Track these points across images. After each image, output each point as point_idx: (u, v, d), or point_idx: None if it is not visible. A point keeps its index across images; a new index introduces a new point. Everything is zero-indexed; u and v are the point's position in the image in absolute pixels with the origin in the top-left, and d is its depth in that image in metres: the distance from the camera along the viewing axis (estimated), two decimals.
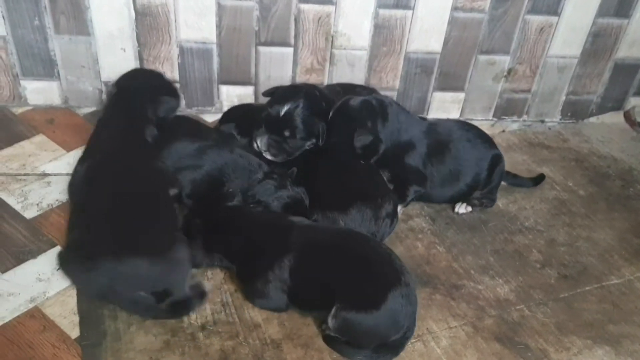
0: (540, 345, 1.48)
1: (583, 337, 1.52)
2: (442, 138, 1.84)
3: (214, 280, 1.55)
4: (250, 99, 2.22)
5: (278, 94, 1.81)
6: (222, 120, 2.05)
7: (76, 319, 1.41)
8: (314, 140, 1.79)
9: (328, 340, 1.42)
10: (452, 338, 1.48)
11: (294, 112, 1.74)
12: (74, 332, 1.39)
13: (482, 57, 2.25)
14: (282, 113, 1.75)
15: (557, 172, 2.13)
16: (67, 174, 1.82)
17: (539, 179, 2.04)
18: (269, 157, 1.77)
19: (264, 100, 1.89)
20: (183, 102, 2.17)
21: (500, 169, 1.86)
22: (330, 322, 1.38)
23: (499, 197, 1.93)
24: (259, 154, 1.78)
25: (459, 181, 1.83)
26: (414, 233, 1.78)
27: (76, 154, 1.91)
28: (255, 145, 1.79)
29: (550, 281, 1.67)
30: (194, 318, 1.44)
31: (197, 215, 1.57)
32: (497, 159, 1.85)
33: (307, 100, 1.77)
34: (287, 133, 1.76)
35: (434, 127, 1.86)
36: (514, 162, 2.13)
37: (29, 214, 1.67)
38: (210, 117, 2.17)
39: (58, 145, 1.95)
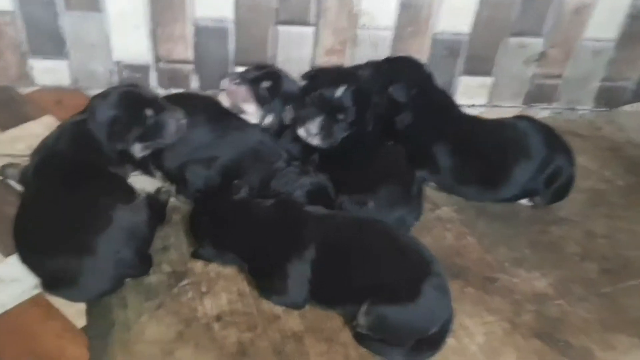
0: (583, 343, 1.37)
1: (630, 334, 1.40)
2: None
3: (231, 269, 1.45)
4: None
5: (327, 74, 1.74)
6: None
7: (83, 307, 1.32)
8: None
9: (360, 338, 1.31)
10: (487, 334, 1.37)
11: (348, 94, 1.65)
12: (80, 322, 1.30)
13: (513, 40, 2.12)
14: (338, 94, 1.65)
15: (592, 162, 2.00)
16: None
17: None
18: (315, 142, 1.65)
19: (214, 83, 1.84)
20: (196, 85, 2.08)
21: None
22: (362, 319, 1.27)
23: None
24: (292, 140, 1.69)
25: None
26: (441, 222, 1.67)
27: None
28: (302, 129, 1.66)
29: (590, 275, 1.55)
30: (209, 307, 1.34)
31: (202, 212, 1.46)
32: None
33: (357, 84, 1.69)
34: (341, 116, 1.65)
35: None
36: None
37: None
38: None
39: None
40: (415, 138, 1.75)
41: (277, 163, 1.58)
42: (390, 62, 1.91)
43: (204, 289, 1.39)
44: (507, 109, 2.24)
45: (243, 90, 1.68)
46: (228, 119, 1.68)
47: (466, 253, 1.58)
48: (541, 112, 2.27)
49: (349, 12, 1.99)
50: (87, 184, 1.39)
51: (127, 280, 1.37)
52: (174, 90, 2.01)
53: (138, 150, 1.56)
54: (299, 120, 1.66)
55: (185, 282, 1.40)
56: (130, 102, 1.53)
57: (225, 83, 1.69)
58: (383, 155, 1.67)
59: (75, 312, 1.30)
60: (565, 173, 1.72)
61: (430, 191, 1.76)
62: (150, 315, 1.31)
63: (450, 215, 1.70)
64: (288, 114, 1.69)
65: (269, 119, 1.69)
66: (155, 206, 1.50)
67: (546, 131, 1.76)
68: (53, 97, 1.98)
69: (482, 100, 2.25)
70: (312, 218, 1.37)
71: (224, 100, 1.69)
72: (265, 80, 1.70)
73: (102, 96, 1.55)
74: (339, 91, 1.64)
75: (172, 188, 1.64)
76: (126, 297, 1.34)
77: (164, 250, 1.47)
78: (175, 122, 1.56)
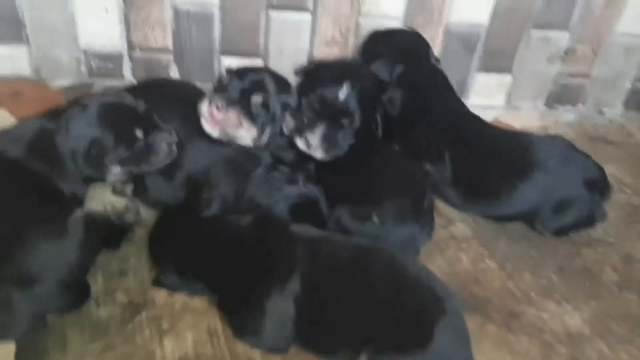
0: None
1: None
2: None
3: (200, 300, 1.19)
4: None
5: (326, 71, 1.46)
6: None
7: (12, 348, 1.06)
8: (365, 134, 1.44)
9: None
10: None
11: (353, 96, 1.38)
12: None
13: (536, 33, 1.87)
14: (341, 97, 1.37)
15: (626, 172, 1.76)
16: None
17: None
18: (318, 155, 1.38)
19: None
20: (176, 77, 1.83)
21: None
22: None
23: None
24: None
25: None
26: (456, 242, 1.42)
27: None
28: (301, 140, 1.38)
29: (633, 309, 1.30)
30: (170, 350, 1.09)
31: (164, 232, 1.21)
32: None
33: (364, 80, 1.42)
34: (345, 121, 1.38)
35: None
36: None
37: None
38: None
39: None
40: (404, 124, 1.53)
41: (256, 170, 1.33)
42: (382, 34, 1.71)
43: (165, 325, 1.13)
44: (527, 110, 2.00)
45: (233, 116, 1.32)
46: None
47: (486, 280, 1.33)
48: (565, 115, 2.03)
49: None
50: (20, 198, 1.12)
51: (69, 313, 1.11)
52: None
53: (114, 174, 1.29)
54: (296, 130, 1.39)
55: (142, 316, 1.14)
56: (117, 120, 1.25)
57: (204, 109, 1.32)
58: (389, 160, 1.42)
59: (3, 354, 1.05)
60: (581, 206, 1.43)
61: (442, 205, 1.51)
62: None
63: (465, 234, 1.46)
64: (288, 124, 1.40)
65: (266, 136, 1.39)
66: (101, 226, 1.22)
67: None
68: (9, 88, 1.72)
69: (499, 100, 2.01)
70: (298, 241, 1.11)
71: (208, 129, 1.33)
72: (255, 93, 1.36)
73: (82, 107, 1.25)
74: (343, 92, 1.37)
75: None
76: (66, 336, 1.08)
77: (120, 274, 1.22)
78: (167, 145, 1.29)
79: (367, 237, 1.22)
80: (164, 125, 1.31)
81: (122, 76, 1.81)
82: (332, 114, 1.38)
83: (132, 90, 1.57)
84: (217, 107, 1.30)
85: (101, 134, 1.23)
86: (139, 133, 1.25)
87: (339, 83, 1.38)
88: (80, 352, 1.06)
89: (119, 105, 1.27)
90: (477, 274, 1.34)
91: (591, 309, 1.29)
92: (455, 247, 1.40)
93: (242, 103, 1.33)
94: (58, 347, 1.07)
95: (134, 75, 1.82)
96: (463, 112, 1.59)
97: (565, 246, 1.45)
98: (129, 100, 1.30)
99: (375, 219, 1.24)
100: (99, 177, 1.28)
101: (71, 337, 1.08)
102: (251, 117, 1.34)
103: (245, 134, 1.35)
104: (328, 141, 1.36)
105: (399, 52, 1.62)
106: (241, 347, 1.11)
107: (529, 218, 1.46)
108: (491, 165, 1.46)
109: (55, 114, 1.29)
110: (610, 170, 1.72)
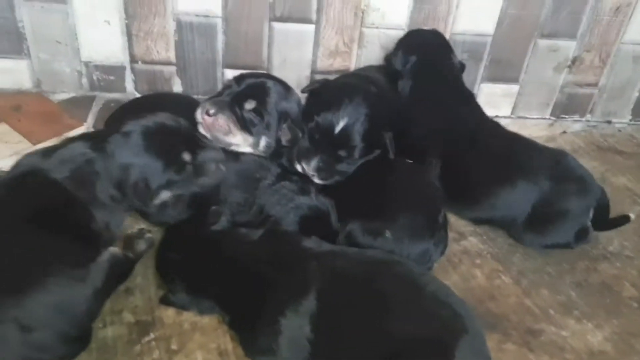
0: None
1: None
2: None
3: (209, 318, 1.15)
4: None
5: (327, 96, 1.37)
6: (112, 119, 1.50)
7: None
8: (377, 152, 1.39)
9: None
10: None
11: (353, 127, 1.31)
12: None
13: (543, 42, 1.85)
14: (337, 129, 1.31)
15: (638, 183, 1.72)
16: None
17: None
18: (317, 180, 1.34)
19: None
20: (179, 89, 1.80)
21: None
22: None
23: None
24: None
25: None
26: (470, 257, 1.38)
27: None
28: (299, 167, 1.35)
29: None
30: None
31: (172, 248, 1.16)
32: None
33: (368, 107, 1.33)
34: (343, 153, 1.33)
35: None
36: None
37: None
38: None
39: (22, 137, 1.57)
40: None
41: (265, 180, 1.28)
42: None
43: (174, 346, 1.10)
44: (534, 120, 1.97)
45: (222, 122, 1.29)
46: None
47: (502, 297, 1.29)
48: (573, 125, 2.00)
49: (355, 8, 1.72)
50: (50, 225, 1.05)
51: None
52: None
53: (161, 199, 1.20)
54: (295, 155, 1.35)
55: (151, 336, 1.10)
56: (163, 145, 1.16)
57: (198, 114, 1.29)
58: (402, 174, 1.37)
59: None
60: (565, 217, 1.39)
61: (454, 218, 1.48)
62: None
63: (478, 248, 1.42)
64: (284, 135, 1.35)
65: (262, 144, 1.34)
66: (120, 266, 1.15)
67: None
68: (10, 102, 1.70)
69: (506, 110, 1.98)
70: (312, 256, 1.07)
71: (203, 133, 1.30)
72: (248, 99, 1.31)
73: (125, 135, 1.15)
74: (339, 124, 1.30)
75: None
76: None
77: (126, 293, 1.18)
78: (215, 165, 1.22)
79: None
80: (209, 142, 1.25)
81: (124, 89, 1.78)
82: (329, 145, 1.32)
83: (134, 104, 1.53)
84: (208, 113, 1.27)
85: (149, 162, 1.14)
86: (186, 156, 1.17)
87: (337, 113, 1.31)
88: None
89: (162, 129, 1.17)
90: (492, 290, 1.31)
91: (612, 327, 1.25)
92: (469, 262, 1.37)
93: (232, 109, 1.29)
94: None
95: (136, 88, 1.79)
96: (469, 112, 1.57)
97: (582, 261, 1.41)
98: (169, 120, 1.21)
99: (388, 234, 1.21)
100: (143, 205, 1.19)
101: (78, 358, 1.04)
102: (241, 123, 1.29)
103: (236, 141, 1.31)
104: (324, 171, 1.32)
105: (415, 45, 1.62)
106: None
107: (505, 225, 1.44)
108: (479, 167, 1.43)
109: (95, 139, 1.19)
110: (622, 181, 1.71)
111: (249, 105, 1.29)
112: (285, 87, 1.38)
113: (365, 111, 1.32)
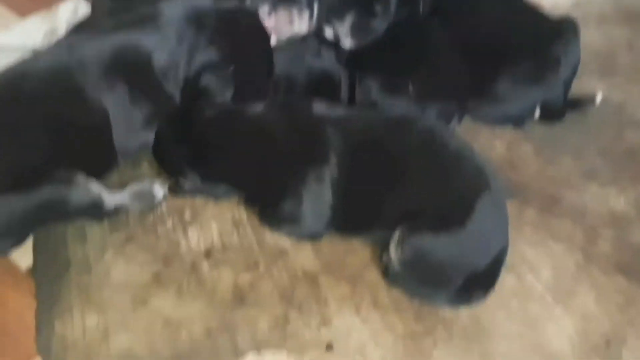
0: None
1: None
2: None
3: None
4: None
5: None
6: None
7: (29, 242, 1.00)
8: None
9: (391, 276, 1.00)
10: (556, 269, 1.06)
11: None
12: (25, 260, 0.99)
13: None
14: None
15: None
16: (21, 48, 1.35)
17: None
18: (347, 44, 1.24)
19: None
20: None
21: None
22: (395, 251, 0.95)
23: (597, 81, 1.44)
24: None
25: None
26: (489, 128, 1.32)
27: (33, 22, 1.44)
28: (329, 29, 1.24)
29: None
30: (195, 241, 1.03)
31: (176, 138, 1.06)
32: None
33: None
34: (379, 8, 1.23)
35: None
36: (611, 37, 1.62)
37: None
38: None
39: (10, 11, 1.48)
40: None
41: None
42: None
43: (187, 216, 1.07)
44: None
45: (283, 17, 1.21)
46: None
47: (522, 166, 1.24)
48: None
49: None
50: None
51: None
52: None
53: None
54: (324, 17, 1.24)
55: (162, 206, 1.07)
56: None
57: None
58: (429, 39, 1.28)
59: (18, 249, 0.99)
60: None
61: None
62: (117, 252, 1.00)
63: None
64: None
65: (315, 10, 1.24)
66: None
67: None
68: None
69: None
70: (327, 122, 1.01)
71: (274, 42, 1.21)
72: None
73: None
74: None
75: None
76: (84, 228, 1.02)
77: (134, 165, 1.13)
78: None
79: None
80: None
81: None
82: (362, 1, 1.22)
83: None
84: (264, 16, 1.19)
85: None
86: None
87: None
88: (101, 244, 1.01)
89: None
90: (513, 159, 1.26)
91: (636, 191, 1.21)
92: (489, 133, 1.30)
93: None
94: (77, 238, 1.01)
95: None
96: None
97: (607, 129, 1.34)
98: None
99: (411, 90, 1.14)
100: None
101: (90, 228, 1.02)
102: (297, 5, 1.21)
103: (301, 25, 1.23)
104: (358, 30, 1.22)
105: None
106: (269, 236, 1.05)
107: None
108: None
109: None
110: None
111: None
112: None
113: None
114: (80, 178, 0.95)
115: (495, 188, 0.97)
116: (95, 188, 0.97)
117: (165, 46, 1.03)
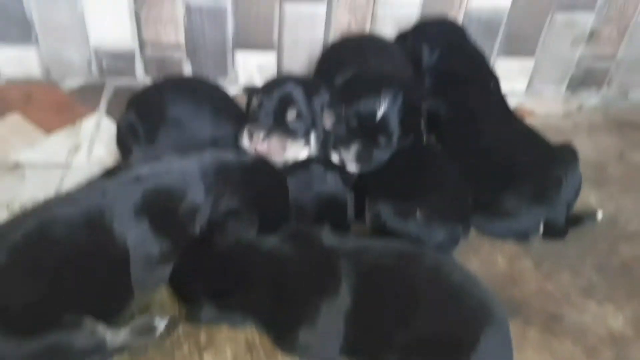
0: None
1: None
2: None
3: None
4: (272, 67, 1.81)
5: (365, 83, 1.36)
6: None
7: None
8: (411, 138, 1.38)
9: None
10: None
11: (393, 113, 1.30)
12: None
13: (560, 16, 1.80)
14: (379, 115, 1.30)
15: None
16: (46, 166, 1.44)
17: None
18: (352, 169, 1.33)
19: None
20: (189, 72, 1.77)
21: None
22: None
23: (589, 193, 1.52)
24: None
25: None
26: (490, 241, 1.38)
27: (58, 138, 1.53)
28: (335, 155, 1.33)
29: None
30: None
31: (192, 268, 1.11)
32: None
33: (406, 93, 1.33)
34: (382, 139, 1.32)
35: None
36: (602, 147, 1.71)
37: None
38: None
39: (36, 127, 1.56)
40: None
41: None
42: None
43: (203, 339, 1.11)
44: (550, 95, 1.95)
45: (275, 143, 1.30)
46: None
47: (523, 281, 1.30)
48: (590, 100, 1.96)
49: None
50: None
51: None
52: None
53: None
54: (331, 144, 1.34)
55: (179, 330, 1.12)
56: None
57: (247, 144, 1.30)
58: (432, 160, 1.39)
59: None
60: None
61: None
62: None
63: None
64: (328, 119, 1.33)
65: (313, 140, 1.35)
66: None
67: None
68: (20, 92, 1.68)
69: (522, 84, 1.95)
70: (339, 255, 1.08)
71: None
72: (288, 110, 1.31)
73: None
74: (381, 110, 1.30)
75: None
76: None
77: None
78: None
79: (406, 237, 1.22)
80: None
81: (134, 74, 1.76)
82: (368, 131, 1.31)
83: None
84: (259, 140, 1.28)
85: None
86: None
87: (378, 99, 1.30)
88: None
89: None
90: (514, 275, 1.31)
91: (632, 309, 1.26)
92: (490, 247, 1.37)
93: (279, 125, 1.30)
94: None
95: (146, 72, 1.77)
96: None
97: (602, 242, 1.41)
98: None
99: (419, 215, 1.21)
100: None
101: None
102: (292, 134, 1.30)
103: (293, 152, 1.32)
104: (363, 158, 1.31)
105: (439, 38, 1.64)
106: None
107: None
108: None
109: None
110: None
111: (291, 115, 1.30)
112: (309, 83, 1.39)
113: (403, 97, 1.32)
114: (88, 322, 0.98)
115: (498, 322, 1.01)
116: (101, 331, 1.00)
117: (194, 194, 1.11)
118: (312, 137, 1.34)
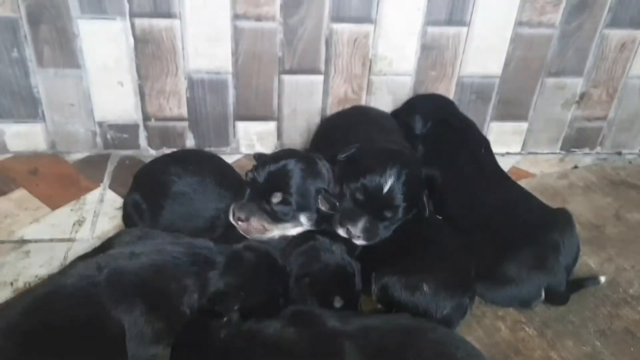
0: None
1: None
2: None
3: None
4: (272, 137, 1.86)
5: (370, 159, 1.37)
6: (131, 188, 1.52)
7: None
8: (414, 211, 1.40)
9: None
10: None
11: (398, 188, 1.33)
12: None
13: (550, 80, 1.87)
14: (385, 190, 1.32)
15: None
16: (51, 241, 1.46)
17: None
18: (359, 242, 1.35)
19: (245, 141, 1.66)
20: (192, 144, 1.82)
21: None
22: None
23: (589, 256, 1.53)
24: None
25: None
26: (492, 310, 1.38)
27: (63, 213, 1.55)
28: (341, 229, 1.34)
29: None
30: None
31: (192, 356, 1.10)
32: None
33: (409, 167, 1.36)
34: (388, 213, 1.35)
35: None
36: (598, 207, 1.74)
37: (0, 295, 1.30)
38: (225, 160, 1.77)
39: (41, 202, 1.59)
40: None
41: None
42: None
43: None
44: (545, 156, 1.99)
45: (255, 224, 1.31)
46: None
47: (527, 351, 1.29)
48: (584, 159, 2.01)
49: (363, 58, 1.75)
50: None
51: None
52: (166, 151, 1.76)
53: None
54: (337, 220, 1.34)
55: None
56: None
57: (232, 220, 1.32)
58: (435, 232, 1.41)
59: None
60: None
61: None
62: None
63: None
64: (323, 205, 1.34)
65: (304, 220, 1.34)
66: None
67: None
68: (27, 166, 1.72)
69: (516, 147, 2.00)
70: (344, 337, 1.07)
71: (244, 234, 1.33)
72: (273, 193, 1.30)
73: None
74: (387, 185, 1.32)
75: None
76: None
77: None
78: None
79: (413, 309, 1.22)
80: None
81: (137, 146, 1.81)
82: (374, 205, 1.33)
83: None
84: (240, 219, 1.30)
85: None
86: None
87: (384, 174, 1.32)
88: None
89: None
90: (517, 344, 1.30)
91: None
92: (492, 315, 1.37)
93: (261, 208, 1.31)
94: None
95: (149, 144, 1.81)
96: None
97: (603, 307, 1.41)
98: None
99: (426, 288, 1.22)
100: None
101: None
102: (274, 218, 1.31)
103: (275, 234, 1.33)
104: (369, 233, 1.33)
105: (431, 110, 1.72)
106: None
107: None
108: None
109: None
110: (637, 218, 1.71)
111: (276, 199, 1.30)
112: (309, 161, 1.36)
113: (407, 171, 1.34)
114: None
115: None
116: None
117: (184, 276, 1.13)
118: (303, 218, 1.34)
